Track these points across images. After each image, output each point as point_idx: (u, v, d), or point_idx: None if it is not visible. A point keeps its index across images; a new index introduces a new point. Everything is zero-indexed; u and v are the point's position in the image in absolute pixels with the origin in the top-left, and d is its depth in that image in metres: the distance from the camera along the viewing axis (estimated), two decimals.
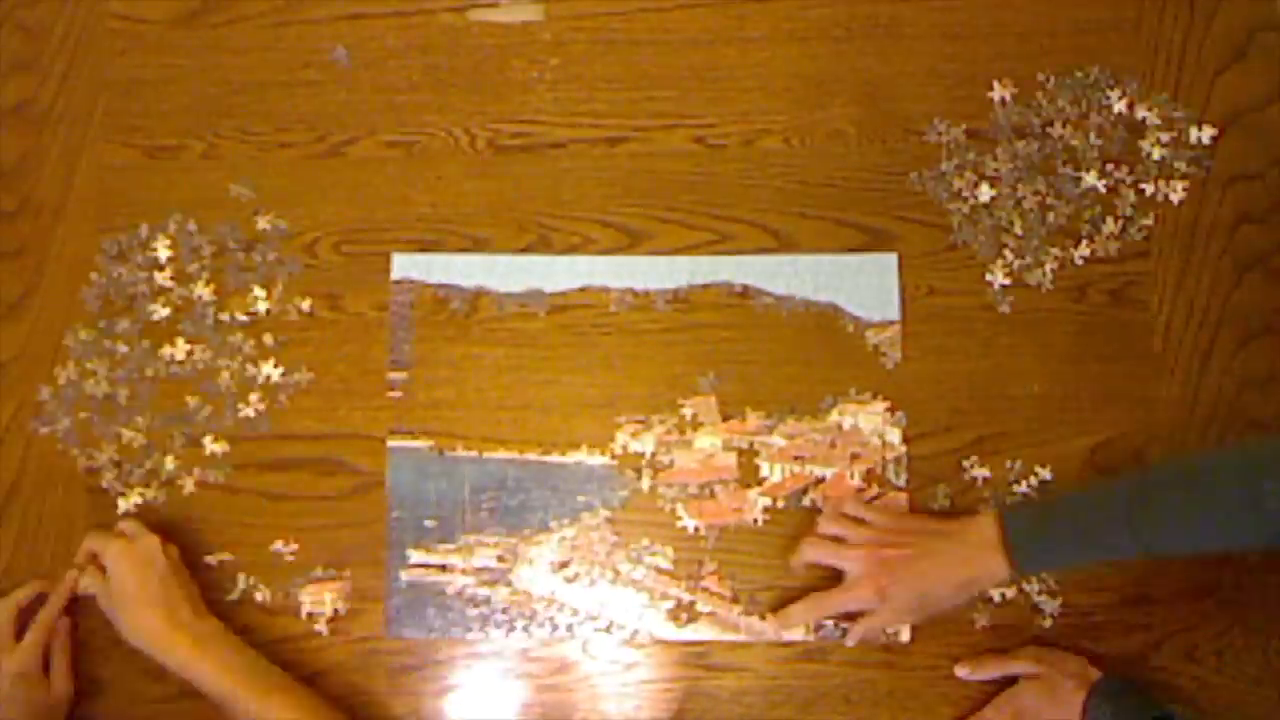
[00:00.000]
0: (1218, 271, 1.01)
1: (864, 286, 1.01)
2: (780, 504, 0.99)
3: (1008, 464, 0.99)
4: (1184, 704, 0.96)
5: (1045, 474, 0.98)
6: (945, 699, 0.97)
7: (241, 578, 1.00)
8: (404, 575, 0.99)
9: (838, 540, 0.94)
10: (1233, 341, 1.00)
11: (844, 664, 0.98)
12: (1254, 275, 1.01)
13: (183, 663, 0.91)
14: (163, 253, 1.03)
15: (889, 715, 0.98)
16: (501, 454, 1.00)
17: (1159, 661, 0.97)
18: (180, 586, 0.94)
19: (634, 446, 1.00)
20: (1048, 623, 0.97)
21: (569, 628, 0.99)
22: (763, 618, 0.98)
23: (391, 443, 1.01)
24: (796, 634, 0.98)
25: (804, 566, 0.96)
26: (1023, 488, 0.98)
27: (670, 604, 0.99)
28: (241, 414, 1.01)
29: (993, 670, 0.96)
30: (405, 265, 1.03)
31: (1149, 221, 1.01)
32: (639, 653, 0.99)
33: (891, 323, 1.01)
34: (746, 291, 1.02)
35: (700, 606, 0.98)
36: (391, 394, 1.01)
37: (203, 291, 1.02)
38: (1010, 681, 0.96)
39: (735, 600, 0.98)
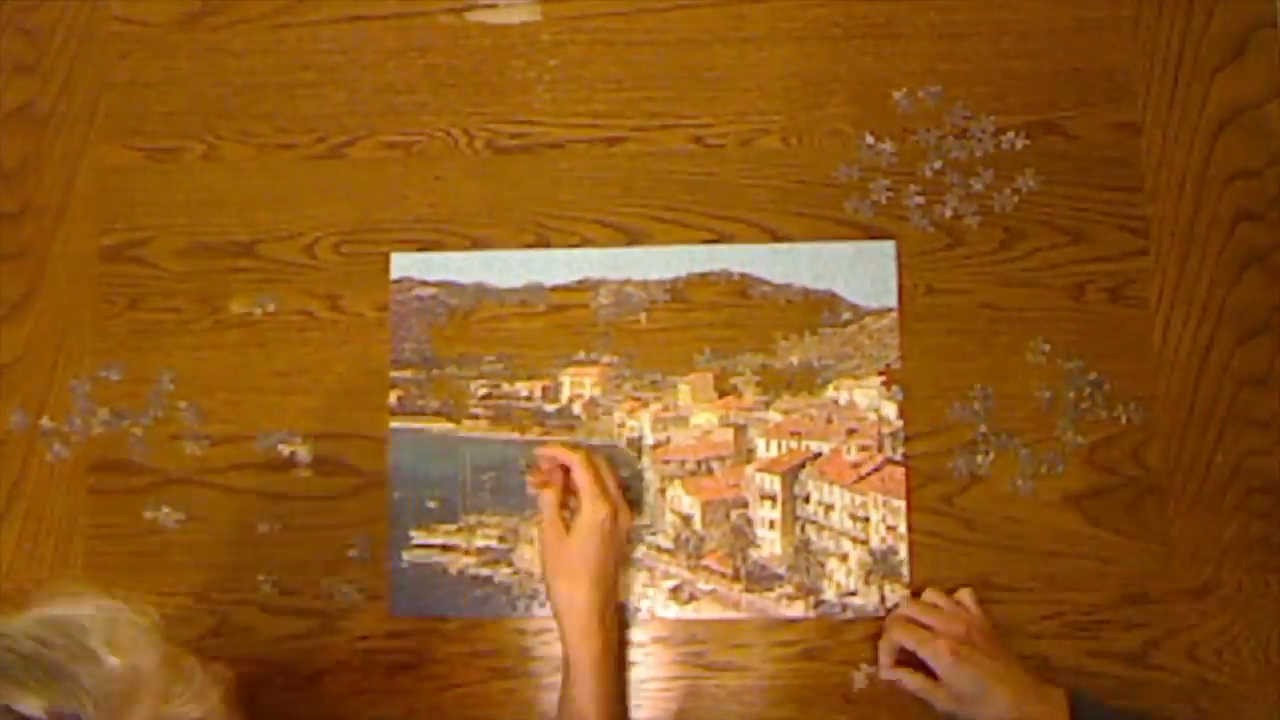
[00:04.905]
0: (1217, 269, 1.01)
1: (861, 274, 1.01)
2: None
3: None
4: (1183, 703, 0.96)
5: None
6: None
7: (241, 577, 1.00)
8: (406, 556, 1.00)
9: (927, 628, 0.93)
10: (1232, 339, 1.00)
11: (844, 663, 0.98)
12: (1253, 273, 1.01)
13: (575, 654, 0.88)
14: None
15: (889, 715, 0.97)
16: (503, 434, 1.01)
17: (1159, 661, 0.96)
18: (617, 580, 0.92)
19: (631, 424, 1.01)
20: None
21: None
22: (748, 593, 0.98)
23: (394, 424, 1.01)
24: (797, 610, 0.98)
25: (891, 655, 0.95)
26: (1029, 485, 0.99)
27: (671, 582, 0.99)
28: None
29: (886, 657, 0.95)
30: (405, 265, 1.03)
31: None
32: (638, 651, 0.99)
33: (889, 310, 1.01)
34: (745, 280, 1.02)
35: (701, 585, 0.99)
36: (393, 392, 1.02)
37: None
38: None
39: (736, 578, 0.99)
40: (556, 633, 0.98)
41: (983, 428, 1.00)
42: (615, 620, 0.92)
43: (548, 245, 1.03)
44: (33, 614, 0.63)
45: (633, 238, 1.03)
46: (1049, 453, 0.99)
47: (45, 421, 1.03)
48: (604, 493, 0.90)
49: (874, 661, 0.96)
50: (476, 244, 1.04)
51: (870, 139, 1.03)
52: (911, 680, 0.93)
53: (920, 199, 1.02)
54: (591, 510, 0.89)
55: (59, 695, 0.58)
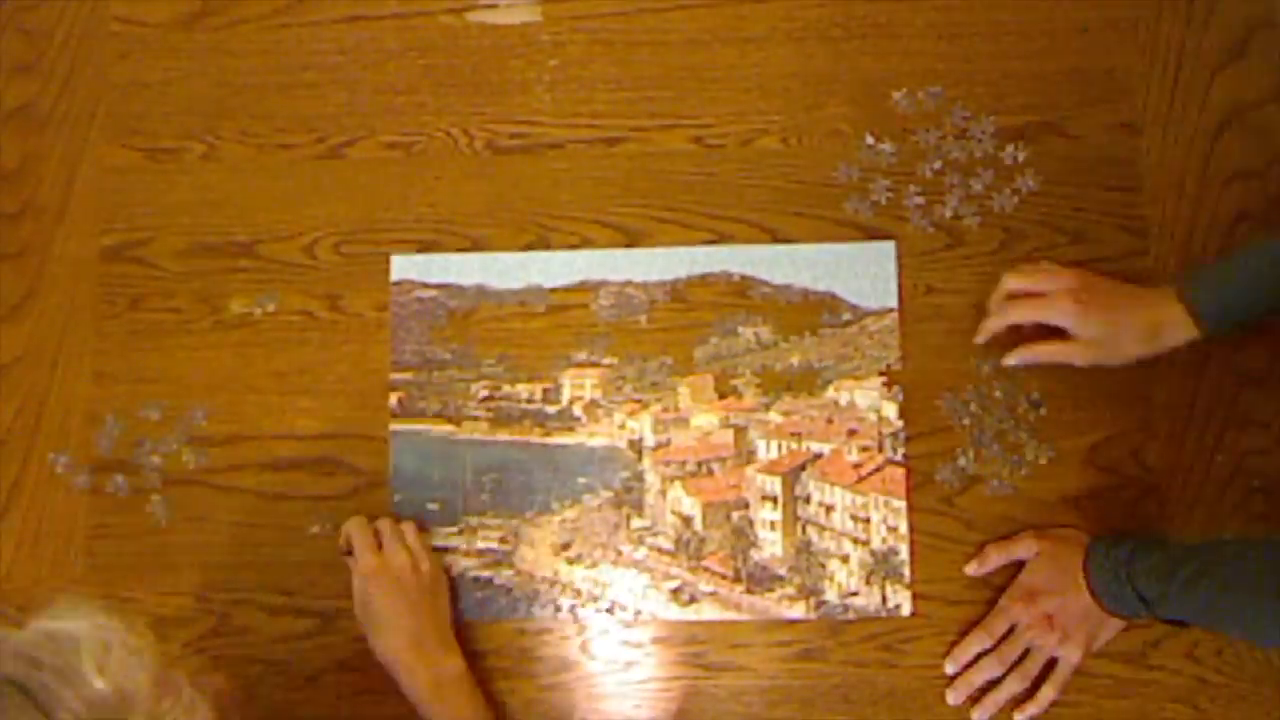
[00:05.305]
0: None
1: (862, 274, 1.02)
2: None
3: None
4: (1183, 703, 0.96)
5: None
6: (945, 698, 0.97)
7: (241, 578, 1.00)
8: None
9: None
10: (1231, 339, 0.99)
11: (844, 663, 0.98)
12: None
13: (416, 696, 0.91)
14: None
15: (889, 714, 0.97)
16: (504, 436, 1.01)
17: (1159, 661, 0.96)
18: (430, 613, 0.93)
19: (632, 425, 1.01)
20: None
21: (571, 609, 0.99)
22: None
23: (394, 426, 1.01)
24: (799, 611, 0.98)
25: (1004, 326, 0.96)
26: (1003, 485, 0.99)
27: (673, 584, 0.99)
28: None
29: (995, 559, 0.96)
30: (404, 266, 1.03)
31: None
32: (638, 651, 0.99)
33: (890, 310, 1.01)
34: (745, 281, 1.02)
35: (703, 586, 0.99)
36: (394, 394, 1.02)
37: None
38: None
39: (737, 580, 0.99)
40: (558, 633, 0.99)
41: (982, 427, 1.00)
42: (445, 661, 0.92)
43: (547, 245, 1.03)
44: (30, 629, 0.62)
45: (633, 238, 1.03)
46: (1048, 453, 0.99)
47: (46, 423, 1.03)
48: (365, 550, 0.94)
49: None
50: (476, 244, 1.04)
51: (870, 139, 1.03)
52: (1041, 350, 0.95)
53: (920, 199, 1.02)
54: (360, 570, 0.94)
55: None
